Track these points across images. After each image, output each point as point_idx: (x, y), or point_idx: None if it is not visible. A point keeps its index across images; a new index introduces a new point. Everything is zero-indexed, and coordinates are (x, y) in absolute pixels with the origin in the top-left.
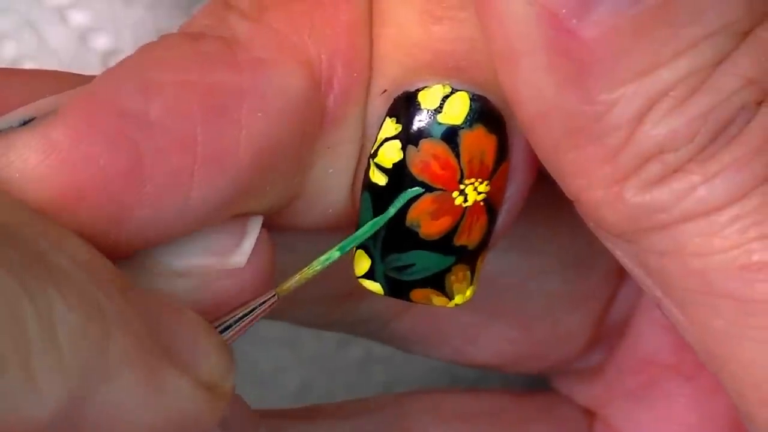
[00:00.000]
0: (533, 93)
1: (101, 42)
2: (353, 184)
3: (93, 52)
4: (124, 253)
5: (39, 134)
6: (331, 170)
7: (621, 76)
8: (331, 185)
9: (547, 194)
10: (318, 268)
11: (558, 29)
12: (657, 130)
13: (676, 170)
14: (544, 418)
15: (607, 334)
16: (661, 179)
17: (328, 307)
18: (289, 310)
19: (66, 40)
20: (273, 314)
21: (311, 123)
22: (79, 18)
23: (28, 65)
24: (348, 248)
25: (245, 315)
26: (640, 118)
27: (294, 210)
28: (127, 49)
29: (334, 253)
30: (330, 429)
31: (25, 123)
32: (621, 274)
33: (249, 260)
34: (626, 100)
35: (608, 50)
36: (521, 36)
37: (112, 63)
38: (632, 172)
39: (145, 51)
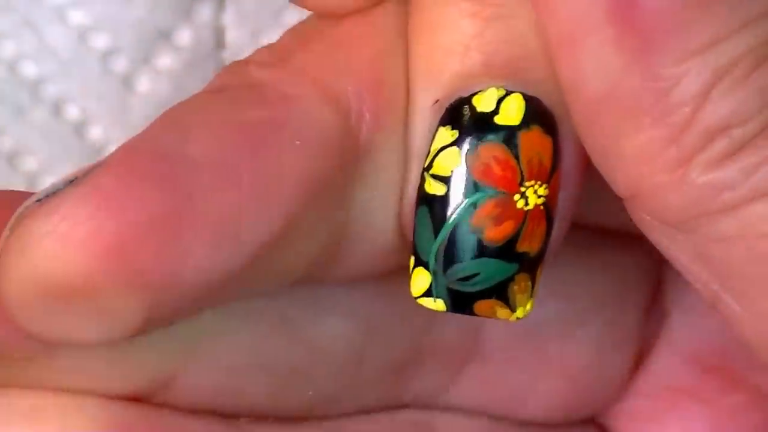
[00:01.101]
0: (597, 73)
1: (101, 41)
2: (398, 211)
3: (92, 51)
4: (184, 310)
5: (87, 186)
6: (372, 202)
7: (687, 48)
8: (374, 218)
9: (575, 236)
10: None
11: (622, 3)
12: (723, 104)
13: (744, 146)
14: None
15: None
16: (729, 156)
17: (371, 395)
18: (327, 405)
19: (65, 39)
20: (312, 413)
21: (346, 156)
22: (78, 17)
23: (27, 65)
24: None
25: None
26: (706, 92)
27: (346, 251)
28: (127, 49)
29: None
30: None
31: (70, 183)
32: (648, 309)
33: None
34: (692, 73)
35: (674, 22)
36: (585, 13)
37: (112, 62)
38: (698, 150)
39: (171, 109)
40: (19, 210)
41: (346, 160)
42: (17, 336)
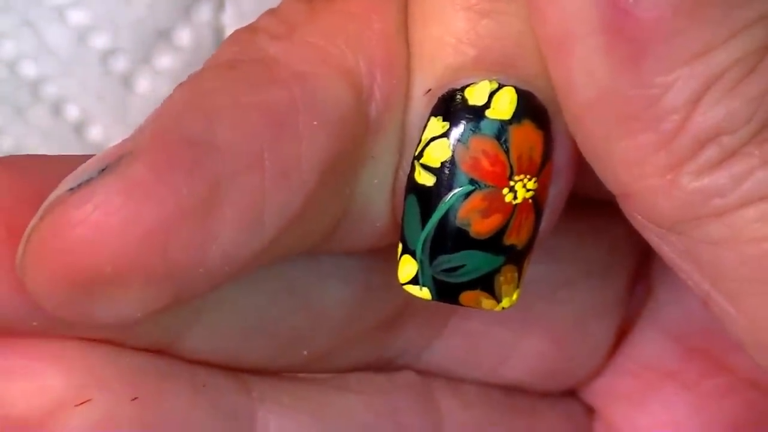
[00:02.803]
0: (587, 78)
1: (100, 41)
2: (393, 192)
3: (92, 51)
4: (205, 290)
5: (120, 175)
6: (376, 181)
7: (677, 57)
8: (375, 197)
9: (568, 203)
10: None
11: (616, 9)
12: (713, 112)
13: (734, 153)
14: (550, 413)
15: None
16: (719, 163)
17: (360, 352)
18: (318, 363)
19: (65, 39)
20: (300, 370)
21: (357, 133)
22: (78, 17)
23: (26, 64)
24: None
25: None
26: (697, 100)
27: (344, 227)
28: (127, 49)
29: None
30: (343, 401)
31: (103, 170)
32: (635, 282)
33: None
34: (683, 82)
35: (665, 31)
36: (578, 18)
37: (111, 62)
38: (689, 157)
39: (187, 86)
40: (50, 198)
41: (357, 138)
42: (30, 308)
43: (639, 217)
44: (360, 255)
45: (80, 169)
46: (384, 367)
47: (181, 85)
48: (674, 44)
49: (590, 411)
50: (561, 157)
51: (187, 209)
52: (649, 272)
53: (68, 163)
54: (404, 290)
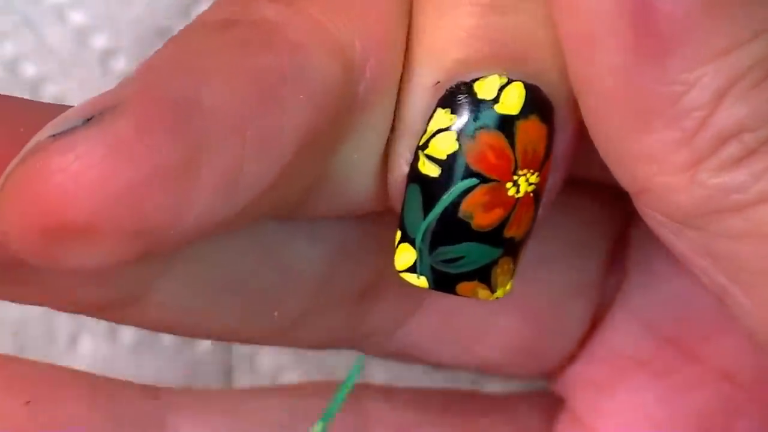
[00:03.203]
0: (611, 74)
1: (100, 41)
2: (379, 173)
3: (91, 51)
4: (176, 248)
5: (103, 129)
6: (355, 156)
7: (702, 55)
8: (355, 171)
9: None
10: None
11: (643, 6)
12: (736, 110)
13: (755, 151)
14: (499, 411)
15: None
16: (740, 160)
17: (333, 322)
18: (292, 331)
19: (64, 39)
20: (275, 340)
21: (342, 110)
22: (77, 17)
23: (26, 64)
24: (333, 412)
25: None
26: (720, 98)
27: (319, 196)
28: (126, 49)
29: (318, 427)
30: (257, 401)
31: (87, 121)
32: (610, 264)
33: None
34: (707, 79)
35: (691, 28)
36: (605, 14)
37: (111, 62)
38: (710, 154)
39: (179, 43)
40: (31, 143)
41: (340, 115)
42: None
43: (653, 213)
44: (335, 219)
45: (63, 116)
46: (357, 345)
47: (172, 39)
48: (700, 42)
49: (547, 415)
50: (560, 148)
51: (165, 170)
52: (625, 256)
53: (52, 111)
54: (401, 277)
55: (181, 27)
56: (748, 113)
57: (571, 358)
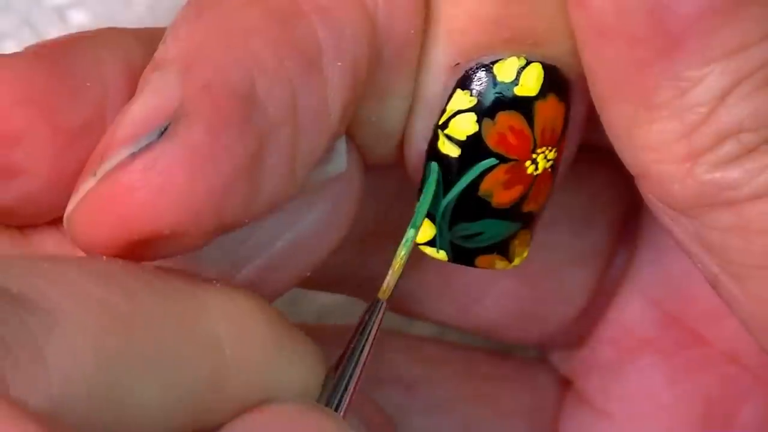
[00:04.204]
0: (620, 67)
1: None
2: (401, 141)
3: None
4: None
5: (180, 141)
6: (374, 119)
7: (710, 53)
8: (374, 133)
9: None
10: (403, 253)
11: (658, 4)
12: (738, 109)
13: (752, 150)
14: (515, 378)
15: (596, 302)
16: (736, 158)
17: (332, 263)
18: None
19: None
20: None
21: (369, 72)
22: (78, 18)
23: None
24: (420, 222)
25: (363, 332)
26: (723, 96)
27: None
28: None
29: (410, 232)
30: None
31: (161, 134)
32: (618, 238)
33: (349, 165)
34: (713, 77)
35: (702, 27)
36: (619, 8)
37: None
38: (708, 149)
39: (217, 18)
40: (111, 160)
41: (367, 77)
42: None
43: (652, 197)
44: None
45: (134, 133)
46: (357, 290)
47: (204, 6)
48: (709, 40)
49: (564, 383)
50: (574, 123)
51: (240, 167)
52: (636, 229)
53: (102, 48)
54: (421, 250)
55: None
56: (749, 113)
57: (575, 332)
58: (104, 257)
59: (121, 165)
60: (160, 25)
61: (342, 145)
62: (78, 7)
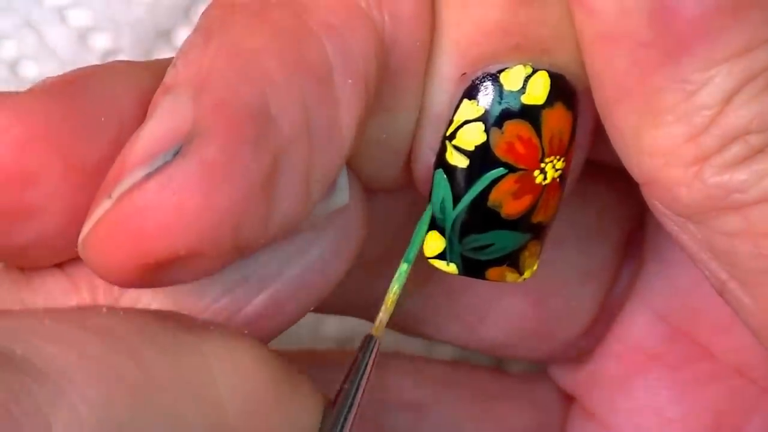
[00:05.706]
0: (627, 70)
1: (101, 42)
2: (405, 157)
3: (92, 52)
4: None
5: (195, 160)
6: (384, 136)
7: (716, 55)
8: (382, 152)
9: None
10: (396, 288)
11: (663, 6)
12: (745, 111)
13: (759, 151)
14: (519, 396)
15: (602, 317)
16: (743, 160)
17: (346, 285)
18: None
19: (66, 40)
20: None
21: (377, 88)
22: (78, 18)
23: (27, 65)
24: (413, 256)
25: (358, 371)
26: (730, 98)
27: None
28: (127, 49)
29: (403, 266)
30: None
31: (175, 154)
32: (624, 253)
33: (351, 198)
34: (719, 79)
35: (707, 30)
36: (625, 13)
37: None
38: (715, 152)
39: (225, 40)
40: (125, 182)
41: (375, 93)
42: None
43: (659, 204)
44: None
45: (151, 149)
46: (364, 313)
47: (208, 23)
48: (714, 43)
49: (567, 398)
50: (582, 132)
51: (255, 186)
52: (642, 244)
53: (115, 82)
54: (430, 264)
55: (182, 28)
56: (756, 115)
57: (580, 347)
58: (104, 308)
59: (136, 186)
60: (160, 25)
61: (344, 179)
62: (78, 7)
